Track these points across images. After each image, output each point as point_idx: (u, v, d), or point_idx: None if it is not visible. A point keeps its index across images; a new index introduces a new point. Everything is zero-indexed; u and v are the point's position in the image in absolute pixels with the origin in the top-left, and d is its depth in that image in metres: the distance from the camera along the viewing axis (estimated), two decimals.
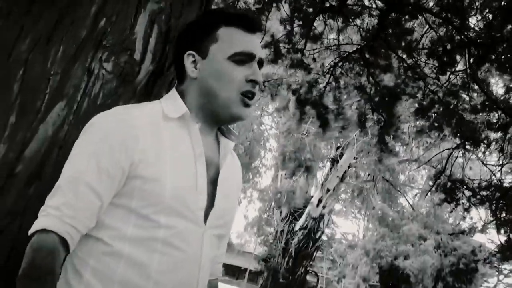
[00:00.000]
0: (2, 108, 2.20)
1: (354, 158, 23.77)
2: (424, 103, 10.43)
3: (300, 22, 9.55)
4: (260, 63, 2.18)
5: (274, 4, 9.27)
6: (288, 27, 9.75)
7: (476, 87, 9.75)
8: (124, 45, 2.45)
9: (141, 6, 2.51)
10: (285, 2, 9.46)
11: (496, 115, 10.63)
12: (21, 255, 2.23)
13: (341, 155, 23.70)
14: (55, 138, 2.31)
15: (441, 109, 10.36)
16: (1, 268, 2.22)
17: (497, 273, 58.79)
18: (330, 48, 10.80)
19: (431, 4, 9.52)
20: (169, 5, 2.62)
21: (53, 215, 1.84)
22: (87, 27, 2.37)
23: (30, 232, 1.85)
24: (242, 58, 2.10)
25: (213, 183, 2.14)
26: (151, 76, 2.60)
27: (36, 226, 1.84)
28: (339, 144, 24.12)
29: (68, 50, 2.33)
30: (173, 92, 2.20)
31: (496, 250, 14.21)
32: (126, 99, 2.49)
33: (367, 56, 9.70)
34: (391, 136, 12.33)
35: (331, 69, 10.76)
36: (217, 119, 2.17)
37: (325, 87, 11.09)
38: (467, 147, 11.98)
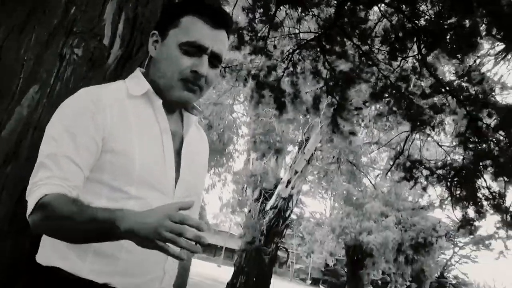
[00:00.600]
0: None
1: (319, 142, 23.87)
2: (378, 87, 10.47)
3: (262, 11, 9.52)
4: (215, 57, 2.11)
5: None
6: (250, 15, 9.71)
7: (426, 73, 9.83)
8: (94, 32, 2.47)
9: None
10: None
11: (445, 99, 10.72)
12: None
13: (308, 139, 23.80)
14: (30, 119, 2.32)
15: (393, 93, 10.43)
16: None
17: (452, 245, 59.44)
18: (289, 35, 10.79)
19: None
20: None
21: (44, 184, 1.82)
22: (58, 16, 2.38)
23: (29, 210, 1.82)
24: (192, 49, 2.04)
25: (178, 155, 2.13)
26: (120, 60, 2.61)
27: (31, 202, 1.82)
28: (304, 130, 24.21)
29: (40, 37, 2.34)
30: (137, 71, 2.19)
31: (455, 226, 14.35)
32: (97, 83, 2.48)
33: (324, 43, 9.73)
34: (344, 119, 12.35)
35: (290, 55, 10.78)
36: (165, 100, 2.11)
37: (283, 72, 11.10)
38: (422, 129, 12.08)
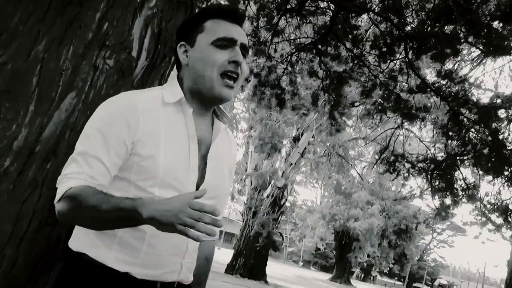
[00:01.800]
0: (23, 98, 2.25)
1: (312, 137, 23.92)
2: (368, 86, 10.54)
3: (265, 19, 9.60)
4: (244, 48, 2.12)
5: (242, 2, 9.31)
6: (254, 23, 9.79)
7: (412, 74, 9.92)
8: (124, 45, 2.51)
9: (137, 12, 2.56)
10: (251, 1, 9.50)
11: (429, 98, 10.80)
12: (40, 221, 2.30)
13: (301, 135, 23.86)
14: (67, 122, 2.36)
15: (382, 91, 10.51)
16: (24, 232, 2.27)
17: (431, 231, 59.61)
18: (289, 40, 10.87)
19: (374, 5, 9.62)
20: (160, 11, 2.67)
21: (73, 178, 1.85)
22: (93, 30, 2.43)
23: (57, 198, 1.86)
24: (224, 43, 2.05)
25: (203, 160, 2.13)
26: (146, 70, 2.65)
27: (60, 191, 1.85)
28: (298, 126, 24.25)
29: (77, 49, 2.39)
30: (173, 79, 2.19)
31: (433, 213, 14.49)
32: (126, 90, 2.53)
33: (319, 47, 9.80)
34: (340, 113, 12.44)
35: (289, 57, 10.86)
36: (204, 100, 2.13)
37: (283, 72, 11.18)
38: (406, 126, 12.16)
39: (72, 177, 1.86)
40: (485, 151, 10.55)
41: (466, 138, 10.73)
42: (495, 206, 13.94)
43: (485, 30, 8.07)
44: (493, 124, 10.29)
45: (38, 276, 2.35)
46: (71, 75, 2.38)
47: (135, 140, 1.93)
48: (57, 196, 1.86)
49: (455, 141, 11.08)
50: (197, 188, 2.06)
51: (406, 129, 17.04)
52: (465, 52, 15.25)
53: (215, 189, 2.16)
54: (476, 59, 16.81)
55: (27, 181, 2.28)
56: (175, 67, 2.44)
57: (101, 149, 1.90)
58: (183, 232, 1.65)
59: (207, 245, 2.44)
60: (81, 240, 2.00)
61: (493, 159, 10.49)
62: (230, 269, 23.10)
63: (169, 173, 1.97)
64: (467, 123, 10.47)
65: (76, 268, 1.98)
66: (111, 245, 1.95)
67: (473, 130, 10.61)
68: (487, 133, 10.38)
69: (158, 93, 2.09)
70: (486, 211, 14.68)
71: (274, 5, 9.14)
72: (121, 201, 1.77)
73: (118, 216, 1.77)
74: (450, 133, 10.92)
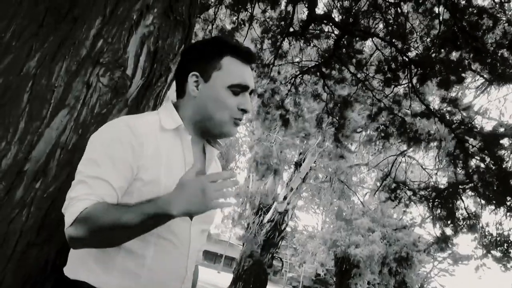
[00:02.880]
0: (14, 115, 2.22)
1: (314, 162, 23.90)
2: (373, 110, 10.59)
3: (269, 41, 9.67)
4: (251, 92, 2.21)
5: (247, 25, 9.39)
6: (258, 45, 9.86)
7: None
8: (118, 63, 2.48)
9: (133, 29, 2.54)
10: (254, 23, 9.58)
11: (433, 125, 10.79)
12: (27, 242, 2.26)
13: (303, 160, 23.84)
14: (58, 141, 2.32)
15: (387, 115, 10.55)
16: (11, 252, 2.22)
17: (432, 260, 59.28)
18: (293, 63, 10.94)
19: (378, 29, 9.66)
20: (157, 29, 2.64)
21: (83, 200, 1.84)
22: (87, 47, 2.40)
23: (68, 223, 1.84)
24: (238, 90, 2.12)
25: None
26: (141, 89, 2.62)
27: (71, 216, 1.83)
28: (301, 150, 24.26)
29: (70, 66, 2.35)
30: (169, 105, 2.21)
31: (433, 241, 14.39)
32: (119, 109, 2.52)
33: (323, 70, 9.85)
34: (344, 136, 12.50)
35: (292, 79, 10.93)
36: (208, 134, 2.21)
37: (286, 94, 11.25)
38: (408, 153, 12.19)
39: (81, 199, 1.85)
40: (489, 179, 10.51)
41: (472, 166, 10.70)
42: (496, 238, 13.87)
43: (490, 58, 8.08)
44: (497, 152, 10.27)
45: None
46: (63, 92, 2.34)
47: (139, 165, 1.95)
48: (69, 220, 1.84)
49: (461, 169, 11.05)
50: (191, 216, 2.02)
51: (409, 156, 16.99)
52: (468, 80, 15.29)
53: (210, 215, 2.20)
54: (480, 86, 16.87)
55: (15, 200, 2.23)
56: (169, 89, 2.42)
57: (110, 173, 1.91)
58: (219, 205, 1.78)
59: (195, 270, 2.45)
60: (79, 268, 1.98)
61: (495, 188, 10.45)
62: None
63: None
64: (472, 151, 10.45)
65: None
66: (111, 272, 1.94)
67: (477, 157, 10.57)
68: (492, 162, 10.35)
69: (155, 118, 2.11)
70: (486, 242, 14.59)
71: (278, 28, 9.19)
72: (142, 207, 1.81)
73: (143, 222, 1.79)
74: (456, 161, 10.89)
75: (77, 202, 1.84)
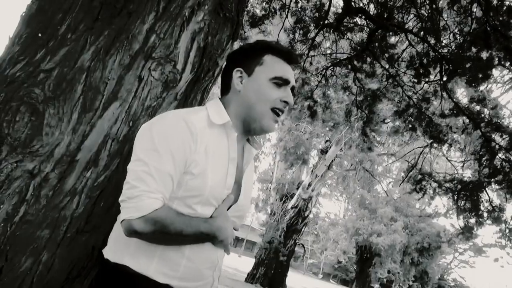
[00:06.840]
0: (68, 106, 2.25)
1: (340, 150, 23.82)
2: (401, 106, 10.55)
3: (301, 32, 9.65)
4: (292, 89, 2.27)
5: (279, 14, 9.39)
6: (291, 35, 9.85)
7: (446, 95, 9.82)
8: (169, 58, 2.51)
9: (184, 26, 2.56)
10: (288, 13, 9.55)
11: (461, 120, 10.71)
12: (77, 228, 2.31)
13: (330, 147, 23.75)
14: (110, 132, 2.36)
15: (414, 112, 10.48)
16: (61, 238, 2.27)
17: (453, 251, 58.84)
18: (325, 55, 10.91)
19: (411, 24, 9.58)
20: (207, 25, 2.67)
21: (154, 199, 1.94)
22: (140, 42, 2.43)
23: (137, 215, 1.92)
24: (280, 82, 2.19)
25: (237, 183, 2.25)
26: (190, 83, 2.65)
27: (142, 209, 1.92)
28: (327, 138, 24.17)
29: (123, 60, 2.38)
30: (217, 101, 2.27)
31: (457, 232, 14.31)
32: (169, 102, 2.55)
33: (355, 63, 9.81)
34: (372, 130, 12.47)
35: (324, 71, 10.90)
36: (249, 129, 2.25)
37: (317, 85, 11.22)
38: (435, 146, 12.11)
39: (152, 197, 1.94)
40: None
41: (498, 165, 10.60)
42: None
43: None
44: None
45: (72, 282, 2.35)
46: (116, 85, 2.37)
47: (192, 159, 2.02)
48: (138, 213, 1.92)
49: (487, 168, 10.95)
50: (227, 207, 2.19)
51: (435, 147, 16.86)
52: (496, 74, 15.11)
53: (244, 209, 2.36)
54: (508, 82, 16.66)
55: (67, 188, 2.28)
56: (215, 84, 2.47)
57: (172, 167, 1.99)
58: (227, 247, 2.16)
59: None
60: (121, 252, 2.05)
61: None
62: (251, 278, 23.04)
63: (213, 192, 2.06)
64: (498, 149, 10.36)
65: (115, 278, 2.03)
66: (152, 258, 2.02)
67: (503, 156, 10.47)
68: None
69: (205, 113, 2.17)
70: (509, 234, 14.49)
71: (312, 19, 9.16)
72: (200, 225, 2.03)
73: (197, 238, 2.04)
74: (482, 160, 10.81)
75: (147, 200, 1.92)
